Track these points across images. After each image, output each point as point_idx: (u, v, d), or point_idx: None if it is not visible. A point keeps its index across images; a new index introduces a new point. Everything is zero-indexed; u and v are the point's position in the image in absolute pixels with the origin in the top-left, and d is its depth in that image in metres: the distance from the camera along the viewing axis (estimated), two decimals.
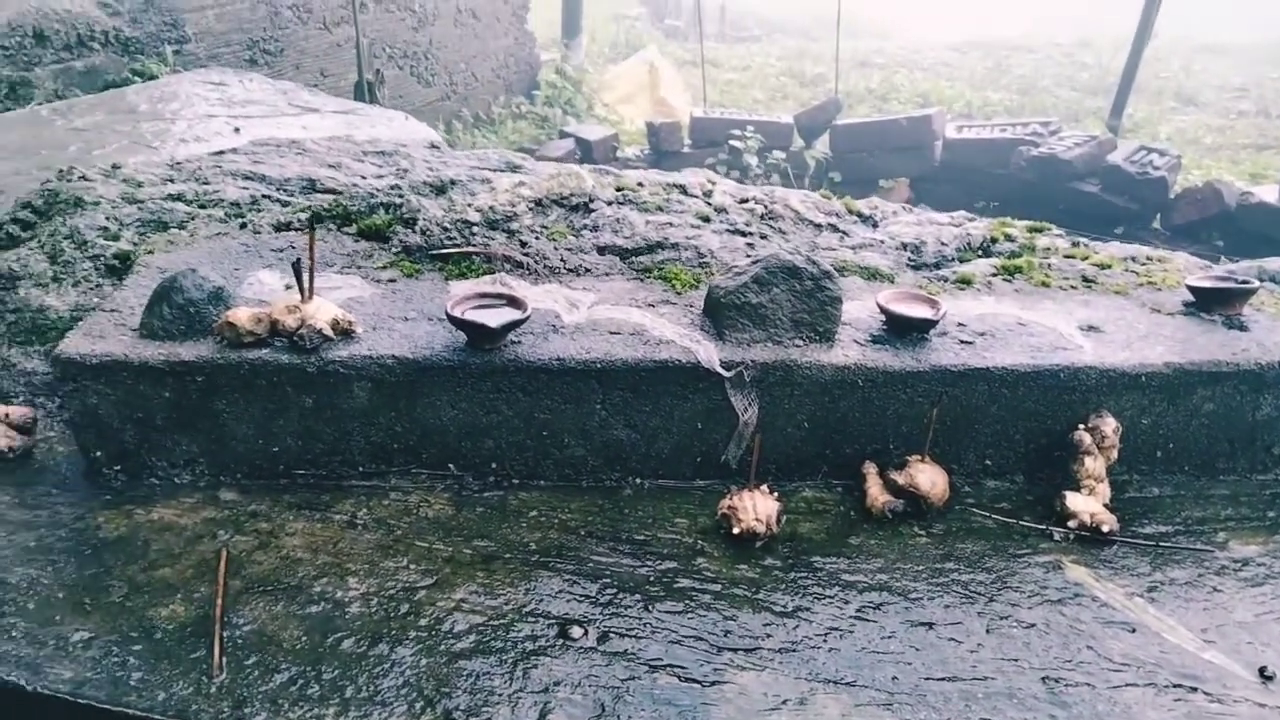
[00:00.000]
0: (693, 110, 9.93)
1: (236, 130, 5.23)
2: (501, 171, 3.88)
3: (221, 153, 3.94)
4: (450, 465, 2.32)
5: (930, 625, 1.95)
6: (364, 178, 3.62)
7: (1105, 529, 2.23)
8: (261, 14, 8.29)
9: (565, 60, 12.31)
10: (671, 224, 2.87)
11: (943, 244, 3.01)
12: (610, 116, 11.70)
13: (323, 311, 2.21)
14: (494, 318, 2.20)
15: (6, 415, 2.33)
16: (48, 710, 1.71)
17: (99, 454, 2.22)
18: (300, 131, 5.29)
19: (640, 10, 22.02)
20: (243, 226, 2.95)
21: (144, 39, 7.30)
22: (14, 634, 1.80)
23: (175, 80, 6.28)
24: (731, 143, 8.84)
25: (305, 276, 2.19)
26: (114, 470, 2.24)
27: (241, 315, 2.16)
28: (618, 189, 3.10)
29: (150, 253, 2.74)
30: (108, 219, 2.95)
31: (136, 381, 2.14)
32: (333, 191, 3.45)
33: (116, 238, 2.89)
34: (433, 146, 4.86)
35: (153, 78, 6.94)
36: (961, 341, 2.39)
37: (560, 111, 10.98)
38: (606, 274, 2.67)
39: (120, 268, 2.80)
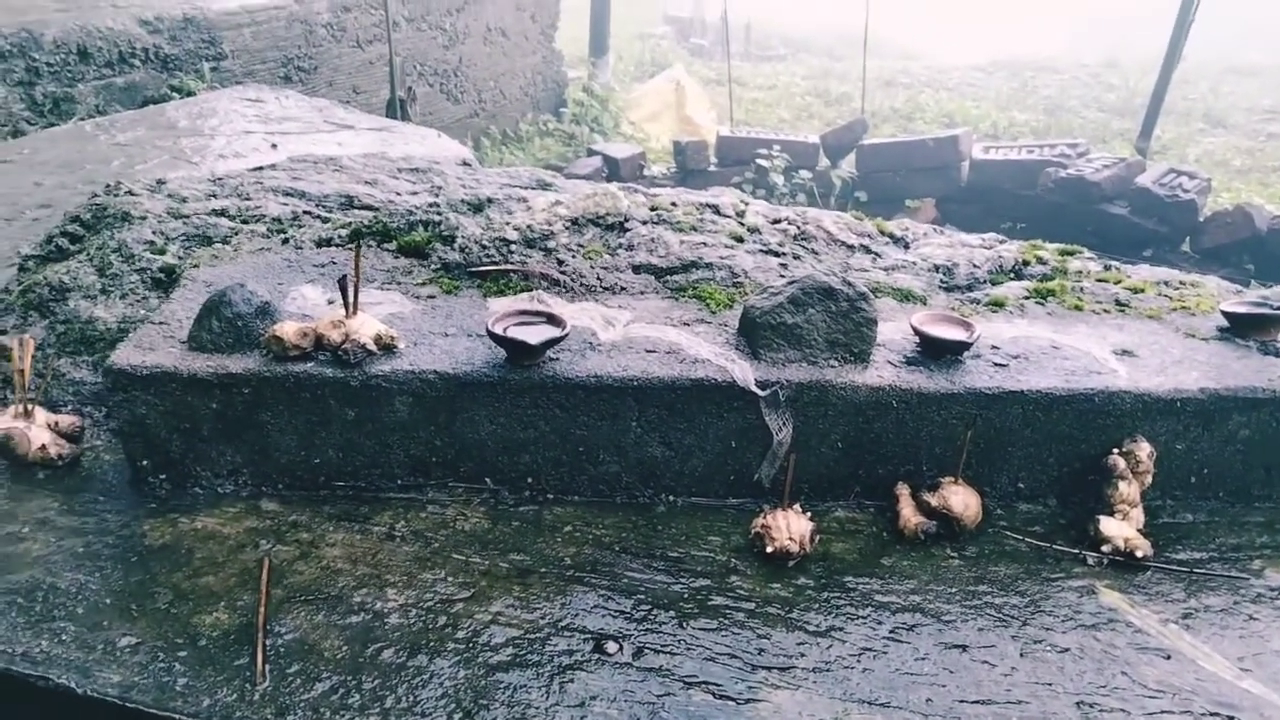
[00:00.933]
0: (719, 129, 9.99)
1: (274, 146, 5.32)
2: (532, 189, 3.94)
3: (260, 169, 4.02)
4: (487, 479, 2.35)
5: (964, 648, 1.96)
6: (399, 194, 3.69)
7: (1139, 554, 2.23)
8: (296, 32, 8.44)
9: (592, 78, 12.43)
10: (705, 244, 2.90)
11: (975, 266, 3.02)
12: (637, 135, 11.80)
13: (366, 326, 2.25)
14: (534, 335, 2.24)
15: (56, 424, 2.39)
16: (96, 713, 1.75)
17: (145, 463, 2.27)
18: (336, 148, 5.39)
19: (666, 29, 22.21)
20: (285, 242, 3.01)
21: (182, 56, 7.45)
22: (64, 638, 1.85)
23: (213, 97, 6.42)
24: (758, 162, 8.88)
25: (350, 292, 2.24)
26: (159, 479, 2.29)
27: (288, 329, 2.21)
28: (652, 209, 3.13)
29: (196, 267, 2.81)
30: (154, 233, 3.02)
31: (185, 393, 2.19)
32: (370, 208, 3.52)
33: (162, 251, 2.96)
34: (465, 164, 4.94)
35: (190, 94, 7.09)
36: (995, 364, 2.40)
37: (587, 129, 11.09)
38: (642, 293, 2.71)
39: (166, 281, 2.87)
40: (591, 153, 8.90)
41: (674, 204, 3.25)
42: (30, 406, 2.36)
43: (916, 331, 2.43)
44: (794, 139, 9.70)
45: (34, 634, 1.84)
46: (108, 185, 3.43)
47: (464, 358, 2.29)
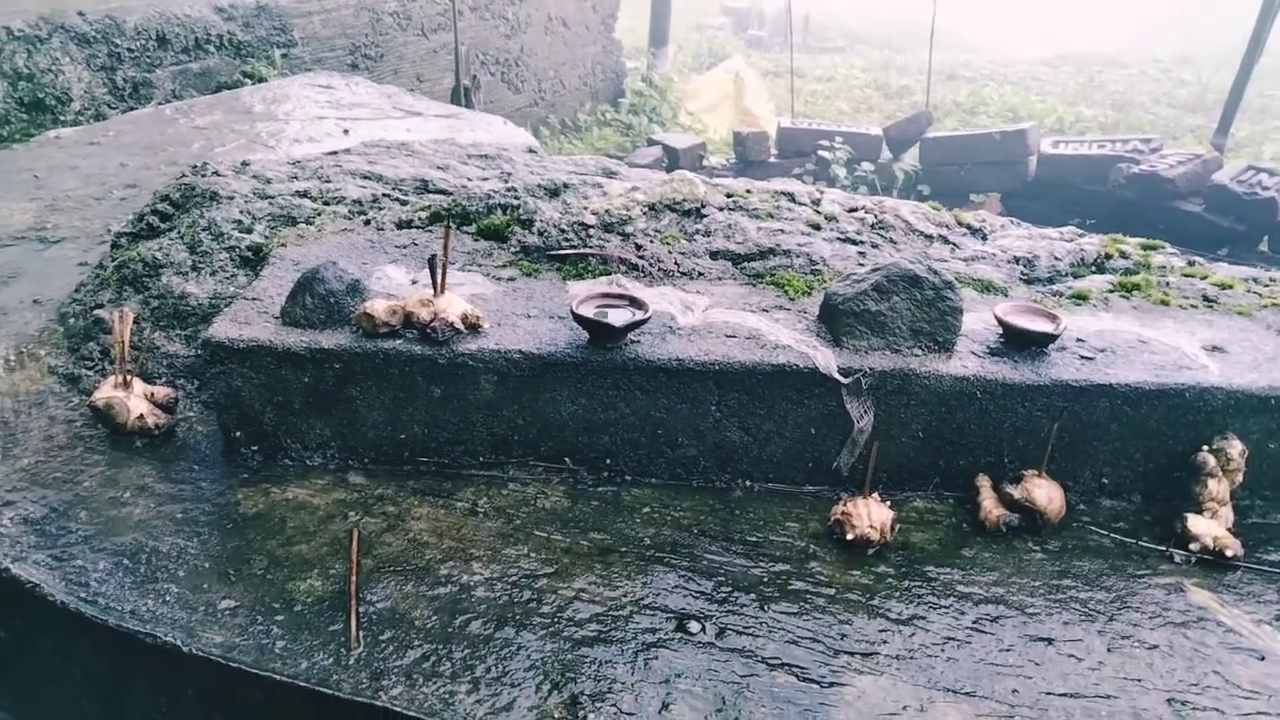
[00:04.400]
0: (779, 120, 9.92)
1: (346, 132, 5.42)
2: (598, 176, 3.95)
3: (335, 153, 4.10)
4: (566, 459, 2.38)
5: (1049, 641, 1.94)
6: (470, 179, 3.73)
7: (1229, 553, 2.18)
8: (364, 20, 8.57)
9: (652, 69, 12.42)
10: (783, 231, 2.89)
11: (1056, 259, 2.97)
12: (695, 125, 11.77)
13: (454, 306, 2.29)
14: (617, 317, 2.26)
15: (152, 394, 2.47)
16: (197, 670, 1.81)
17: (239, 434, 2.35)
18: (406, 134, 5.46)
19: (722, 20, 22.08)
20: (366, 223, 3.07)
21: (254, 43, 7.62)
22: (168, 599, 1.92)
23: (286, 83, 6.55)
24: (820, 153, 8.80)
25: (439, 272, 2.28)
26: (251, 450, 2.36)
27: (378, 307, 2.26)
28: (728, 195, 3.13)
29: (283, 246, 2.88)
30: (241, 213, 3.10)
31: (279, 366, 2.26)
32: (444, 192, 3.56)
33: (249, 230, 3.04)
34: (531, 151, 4.97)
35: (262, 80, 7.25)
36: (1081, 357, 2.36)
37: (645, 120, 11.09)
38: (719, 278, 2.71)
39: (253, 259, 2.94)
40: (652, 142, 8.90)
41: (749, 191, 3.24)
42: (129, 377, 2.45)
43: (1001, 322, 2.40)
44: (856, 131, 9.60)
45: (140, 594, 1.92)
46: (194, 166, 3.53)
47: (547, 338, 2.32)
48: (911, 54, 17.70)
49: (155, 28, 6.84)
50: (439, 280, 2.30)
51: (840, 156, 8.90)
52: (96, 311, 2.82)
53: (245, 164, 3.58)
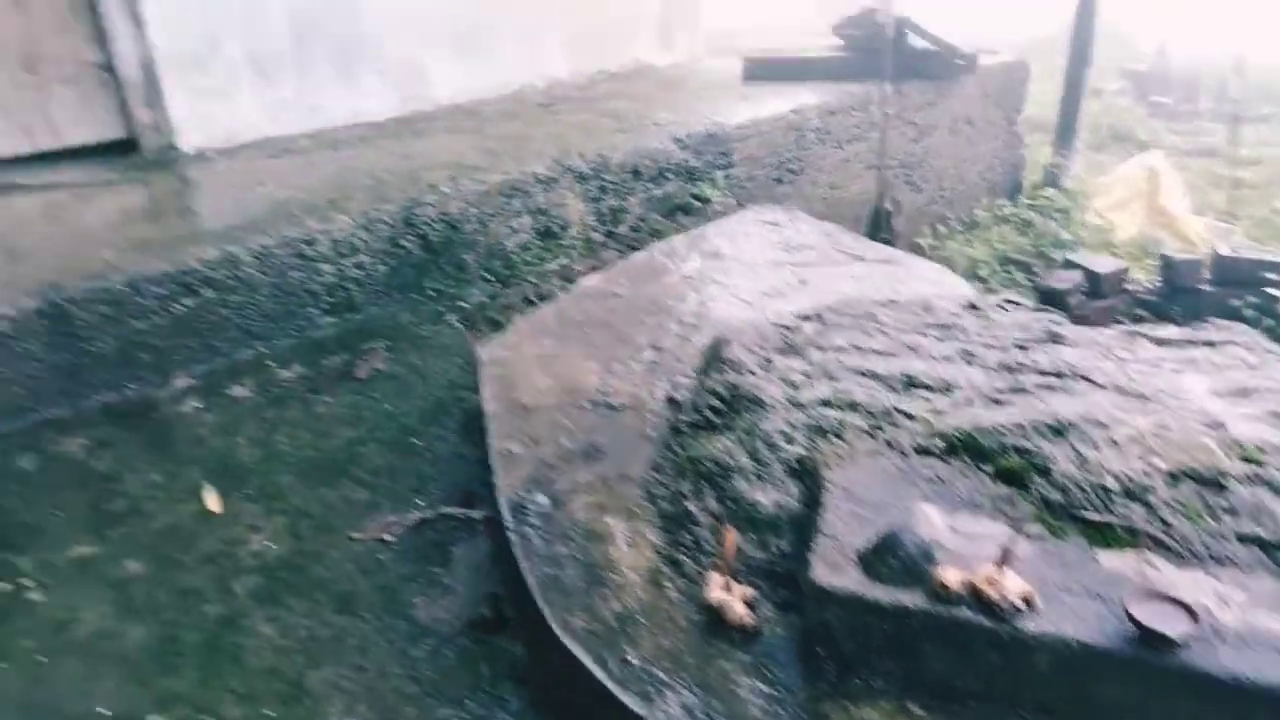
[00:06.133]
0: (1218, 248, 9.18)
1: (802, 282, 6.09)
2: (1044, 343, 4.22)
3: (809, 318, 4.76)
4: None
5: None
6: (934, 357, 4.15)
7: None
8: (790, 139, 9.39)
9: (1058, 169, 12.09)
10: None
11: None
12: (1103, 225, 11.27)
13: (1014, 584, 2.74)
14: (1173, 627, 2.56)
15: (745, 596, 3.20)
16: None
17: (821, 651, 2.97)
18: (852, 283, 6.00)
19: (1122, 84, 20.58)
20: (888, 444, 3.62)
21: (702, 167, 8.70)
22: None
23: (738, 220, 7.44)
24: (1268, 290, 8.11)
25: (1008, 555, 2.74)
26: (829, 666, 2.98)
27: (951, 578, 2.77)
28: (1244, 459, 3.27)
29: (826, 467, 3.50)
30: (784, 423, 3.79)
31: (865, 613, 2.85)
32: (927, 387, 4.04)
33: (791, 441, 3.72)
34: (972, 306, 5.27)
35: (706, 200, 8.31)
36: None
37: (1051, 222, 10.85)
38: (1249, 567, 2.89)
39: (799, 470, 3.60)
40: (1069, 265, 8.76)
41: (1261, 449, 3.34)
42: (730, 583, 3.19)
43: None
44: None
45: None
46: (718, 357, 4.31)
47: (1094, 624, 2.68)
48: None
49: (632, 162, 8.12)
50: (1005, 561, 2.76)
51: None
52: (685, 504, 3.64)
53: (769, 361, 4.31)
